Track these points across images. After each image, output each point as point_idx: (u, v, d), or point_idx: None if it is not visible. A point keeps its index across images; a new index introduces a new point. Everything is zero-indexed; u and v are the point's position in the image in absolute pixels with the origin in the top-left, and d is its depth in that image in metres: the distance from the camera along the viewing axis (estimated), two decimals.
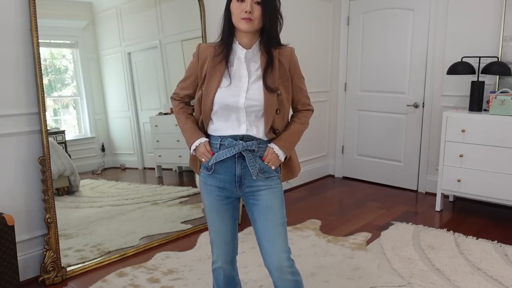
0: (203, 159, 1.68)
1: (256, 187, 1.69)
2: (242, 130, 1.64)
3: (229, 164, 1.67)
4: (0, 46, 2.40)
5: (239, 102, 1.62)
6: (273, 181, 1.71)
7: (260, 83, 1.64)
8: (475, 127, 3.55)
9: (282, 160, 1.70)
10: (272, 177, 1.71)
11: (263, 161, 1.68)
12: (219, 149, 1.67)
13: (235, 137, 1.65)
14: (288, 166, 1.79)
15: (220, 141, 1.66)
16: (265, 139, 1.68)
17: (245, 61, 1.65)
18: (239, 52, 1.65)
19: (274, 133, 1.70)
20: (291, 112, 1.80)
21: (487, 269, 2.73)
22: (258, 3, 1.56)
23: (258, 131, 1.66)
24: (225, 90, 1.63)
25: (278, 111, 1.66)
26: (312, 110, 1.81)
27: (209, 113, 1.65)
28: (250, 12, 1.55)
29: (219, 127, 1.67)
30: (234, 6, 1.59)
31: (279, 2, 1.64)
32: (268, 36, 1.63)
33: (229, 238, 1.78)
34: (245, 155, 1.65)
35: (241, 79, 1.64)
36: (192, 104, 1.80)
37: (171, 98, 1.81)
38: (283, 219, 1.72)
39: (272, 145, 1.68)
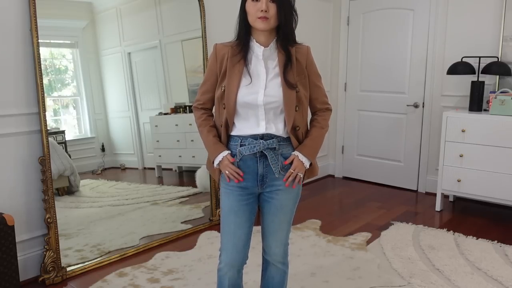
0: (227, 171, 1.68)
1: (276, 187, 1.71)
2: (261, 129, 1.66)
3: (251, 165, 1.69)
4: (0, 46, 2.40)
5: (258, 99, 1.63)
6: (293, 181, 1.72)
7: (278, 80, 1.65)
8: (475, 127, 3.55)
9: (307, 167, 1.72)
10: None
11: (291, 168, 1.69)
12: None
13: (255, 137, 1.66)
14: (310, 167, 1.80)
15: (241, 142, 1.68)
16: (285, 136, 1.70)
17: (263, 58, 1.67)
18: (257, 50, 1.67)
19: (294, 130, 1.71)
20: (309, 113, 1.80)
21: (487, 269, 2.73)
22: (273, 1, 1.58)
23: (278, 128, 1.68)
24: (245, 89, 1.65)
25: (297, 108, 1.67)
26: (331, 110, 1.81)
27: (233, 113, 1.66)
28: (266, 11, 1.57)
29: (239, 126, 1.69)
30: (250, 5, 1.61)
31: None
32: (284, 33, 1.64)
33: (242, 245, 1.74)
34: (266, 153, 1.66)
35: (259, 76, 1.66)
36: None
37: (193, 107, 1.80)
38: (291, 217, 1.79)
39: (296, 153, 1.69)
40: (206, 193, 3.61)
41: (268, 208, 1.75)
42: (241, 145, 1.68)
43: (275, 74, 1.66)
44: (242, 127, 1.68)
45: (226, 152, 1.68)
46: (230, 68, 1.65)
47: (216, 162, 1.70)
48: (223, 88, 1.66)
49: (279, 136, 1.68)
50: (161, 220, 3.34)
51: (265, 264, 1.85)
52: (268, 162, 1.67)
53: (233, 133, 1.70)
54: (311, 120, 1.81)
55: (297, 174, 1.69)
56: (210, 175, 3.50)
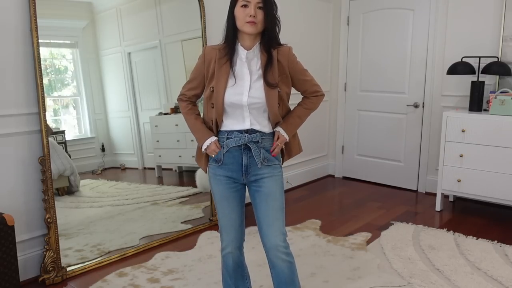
0: (213, 155, 1.85)
1: (260, 175, 1.86)
2: (246, 125, 1.81)
3: (236, 156, 1.84)
4: (0, 46, 2.40)
5: (243, 100, 1.77)
6: (275, 169, 1.88)
7: (261, 82, 1.79)
8: (475, 127, 3.55)
9: (287, 139, 1.89)
10: (274, 165, 1.88)
11: (275, 141, 1.86)
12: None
13: (240, 131, 1.81)
14: (296, 146, 1.99)
15: (227, 135, 1.83)
16: (267, 131, 1.85)
17: (246, 61, 1.80)
18: (241, 53, 1.80)
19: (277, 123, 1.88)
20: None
21: (487, 269, 2.73)
22: (260, 7, 1.72)
23: (261, 125, 1.83)
24: (231, 89, 1.78)
25: (279, 104, 1.82)
26: (323, 95, 1.96)
27: (222, 112, 1.80)
28: (254, 16, 1.71)
29: (226, 123, 1.83)
30: (239, 11, 1.74)
31: (276, 6, 1.80)
32: (269, 37, 1.78)
33: (238, 224, 1.92)
34: (250, 146, 1.82)
35: (244, 78, 1.79)
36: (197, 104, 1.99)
37: (178, 99, 1.95)
38: (282, 204, 1.88)
39: (278, 128, 1.87)
40: (206, 193, 3.61)
41: (259, 197, 1.86)
42: (227, 138, 1.82)
43: (259, 75, 1.79)
44: (229, 123, 1.82)
45: (214, 138, 1.84)
46: (218, 70, 1.79)
47: (204, 147, 1.85)
48: (211, 89, 1.79)
49: (262, 132, 1.83)
50: (161, 220, 3.34)
51: (271, 262, 1.88)
52: (252, 153, 1.83)
53: (221, 128, 1.85)
54: (301, 99, 1.96)
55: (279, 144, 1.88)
56: None
